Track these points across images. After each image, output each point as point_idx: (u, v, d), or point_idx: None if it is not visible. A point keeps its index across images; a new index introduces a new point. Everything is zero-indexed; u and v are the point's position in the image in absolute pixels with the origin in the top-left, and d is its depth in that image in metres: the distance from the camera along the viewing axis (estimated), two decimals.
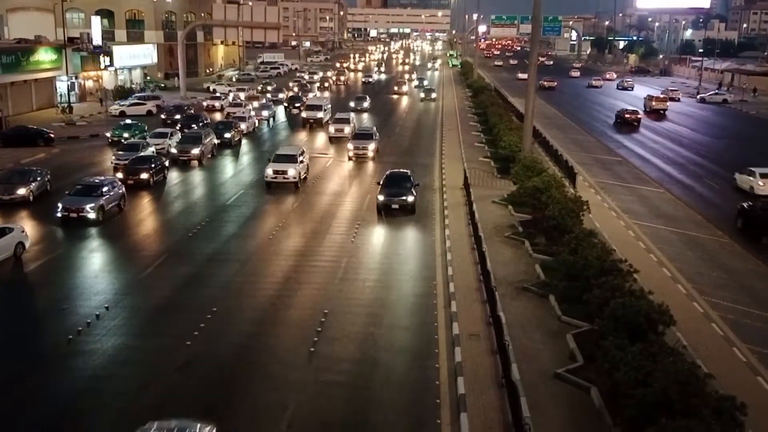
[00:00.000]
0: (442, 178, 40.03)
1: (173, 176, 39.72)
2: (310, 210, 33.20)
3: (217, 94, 73.33)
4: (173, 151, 43.36)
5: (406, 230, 30.15)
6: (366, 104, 71.29)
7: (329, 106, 61.67)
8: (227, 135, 49.32)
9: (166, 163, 39.39)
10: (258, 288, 23.30)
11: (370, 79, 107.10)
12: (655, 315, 17.26)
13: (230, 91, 78.43)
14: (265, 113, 61.56)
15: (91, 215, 29.46)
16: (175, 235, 29.19)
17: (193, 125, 52.61)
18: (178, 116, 56.41)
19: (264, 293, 22.83)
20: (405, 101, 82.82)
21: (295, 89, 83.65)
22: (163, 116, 57.71)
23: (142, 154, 39.79)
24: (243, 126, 53.32)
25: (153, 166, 37.40)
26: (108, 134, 48.96)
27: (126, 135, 47.49)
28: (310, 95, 77.95)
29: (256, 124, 58.29)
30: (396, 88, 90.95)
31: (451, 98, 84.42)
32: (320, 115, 58.34)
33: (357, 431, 15.20)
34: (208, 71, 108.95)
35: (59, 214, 29.52)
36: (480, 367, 17.64)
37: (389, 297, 22.68)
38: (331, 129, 52.43)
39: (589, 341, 18.40)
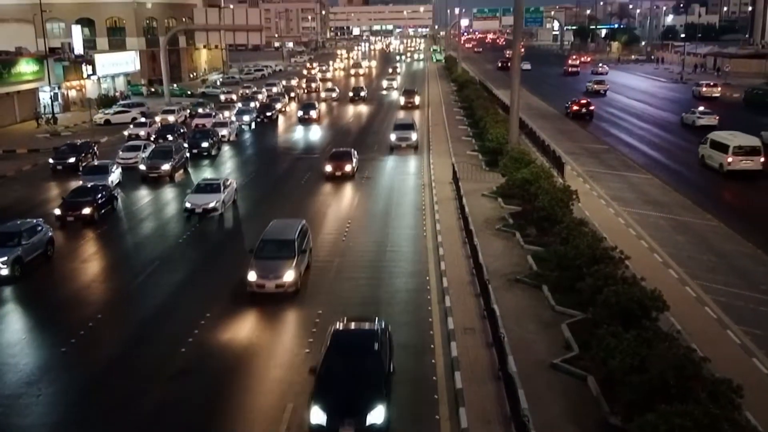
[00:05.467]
0: (431, 173, 40.02)
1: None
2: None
3: (143, 120, 56.43)
4: (141, 167, 39.95)
5: (399, 226, 30.14)
6: None
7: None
8: (204, 144, 46.44)
9: (116, 193, 34.69)
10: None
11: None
12: (648, 301, 17.34)
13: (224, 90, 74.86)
14: (246, 118, 60.76)
15: (4, 271, 24.26)
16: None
17: (168, 136, 50.29)
18: (72, 159, 42.24)
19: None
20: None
21: (271, 90, 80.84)
22: (51, 161, 42.74)
23: (92, 184, 33.35)
24: (225, 131, 51.83)
25: (98, 197, 31.97)
26: None
27: None
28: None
29: (236, 131, 55.74)
30: (330, 168, 39.58)
31: (436, 93, 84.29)
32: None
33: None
34: (191, 76, 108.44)
35: None
36: (476, 361, 17.67)
37: (383, 294, 22.66)
38: None
39: (583, 330, 18.48)
